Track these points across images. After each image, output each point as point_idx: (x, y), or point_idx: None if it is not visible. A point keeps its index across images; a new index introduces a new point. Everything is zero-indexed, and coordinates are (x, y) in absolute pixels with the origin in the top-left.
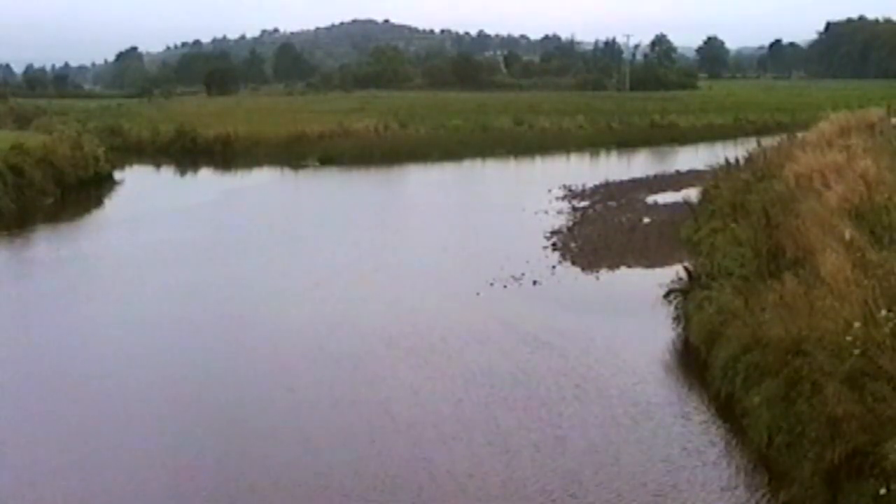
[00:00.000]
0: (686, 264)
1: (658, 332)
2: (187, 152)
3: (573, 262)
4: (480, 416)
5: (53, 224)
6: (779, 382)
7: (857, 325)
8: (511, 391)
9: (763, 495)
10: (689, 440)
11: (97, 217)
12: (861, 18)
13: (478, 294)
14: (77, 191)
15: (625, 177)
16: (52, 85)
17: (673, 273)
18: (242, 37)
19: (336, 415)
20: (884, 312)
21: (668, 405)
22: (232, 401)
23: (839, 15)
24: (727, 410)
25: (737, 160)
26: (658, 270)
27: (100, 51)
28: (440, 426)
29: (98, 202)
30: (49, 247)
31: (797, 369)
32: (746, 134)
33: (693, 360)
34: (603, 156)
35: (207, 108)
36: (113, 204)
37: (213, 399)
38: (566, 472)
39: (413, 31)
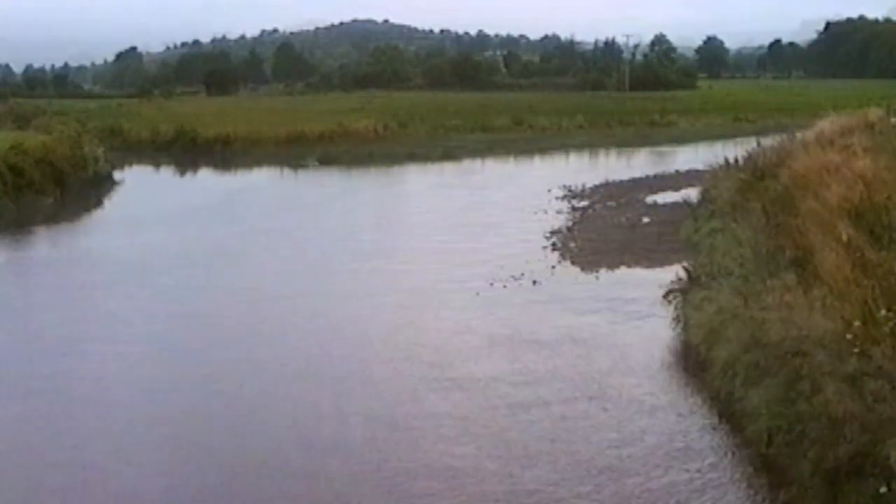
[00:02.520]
0: (685, 264)
1: (658, 333)
2: (187, 153)
3: (573, 262)
4: (489, 429)
5: (52, 225)
6: (779, 382)
7: (856, 324)
8: (517, 400)
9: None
10: (688, 443)
11: (96, 218)
12: (861, 18)
13: (477, 294)
14: (76, 191)
15: (624, 177)
16: (51, 85)
17: (672, 273)
18: (242, 37)
19: (341, 428)
20: (883, 312)
21: (671, 409)
22: (230, 416)
23: (839, 15)
24: (729, 412)
25: (736, 160)
26: (658, 270)
27: (100, 51)
28: (448, 447)
29: (97, 203)
30: (47, 248)
31: (797, 369)
32: (746, 134)
33: (693, 361)
34: (602, 155)
35: (207, 109)
36: (112, 205)
37: (209, 411)
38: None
39: (413, 30)
